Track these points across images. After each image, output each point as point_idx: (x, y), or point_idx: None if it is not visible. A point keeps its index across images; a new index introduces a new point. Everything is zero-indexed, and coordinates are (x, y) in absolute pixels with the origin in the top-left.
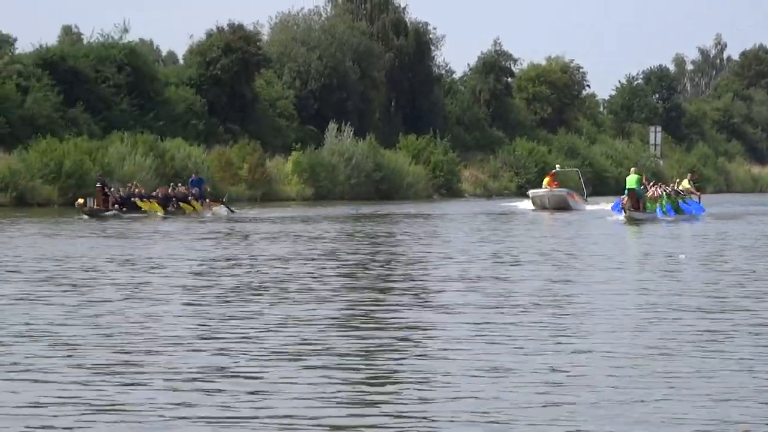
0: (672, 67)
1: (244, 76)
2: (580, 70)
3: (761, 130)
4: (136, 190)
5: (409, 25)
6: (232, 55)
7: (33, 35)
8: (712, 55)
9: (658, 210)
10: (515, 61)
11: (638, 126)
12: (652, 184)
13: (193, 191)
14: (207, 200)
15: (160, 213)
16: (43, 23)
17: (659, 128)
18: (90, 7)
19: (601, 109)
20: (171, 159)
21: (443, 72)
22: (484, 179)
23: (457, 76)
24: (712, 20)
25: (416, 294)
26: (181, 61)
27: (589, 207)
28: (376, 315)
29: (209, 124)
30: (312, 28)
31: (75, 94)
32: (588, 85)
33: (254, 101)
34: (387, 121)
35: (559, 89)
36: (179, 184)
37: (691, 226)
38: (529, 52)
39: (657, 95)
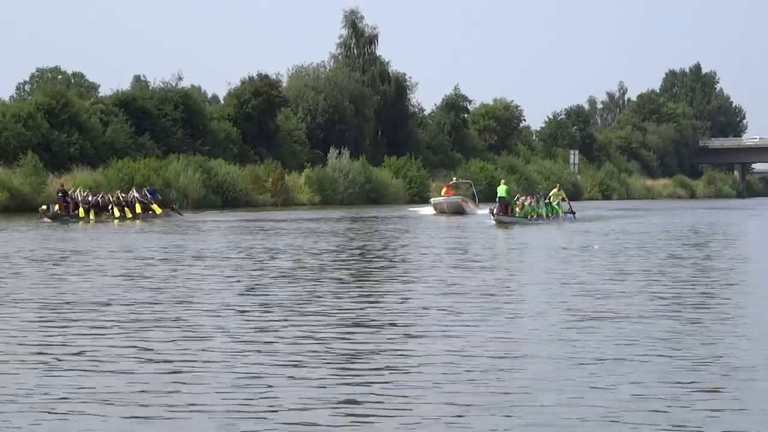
0: (586, 106)
1: (269, 113)
2: (518, 108)
3: (653, 152)
4: (92, 198)
5: (391, 75)
6: (259, 97)
7: (112, 82)
8: (616, 97)
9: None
10: (470, 101)
11: (561, 150)
12: (518, 197)
13: (148, 197)
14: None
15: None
16: (120, 73)
17: (577, 152)
18: (154, 61)
19: (534, 137)
20: (215, 175)
21: (416, 110)
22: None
23: (426, 112)
24: (616, 70)
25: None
26: (222, 102)
27: (480, 211)
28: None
29: (242, 148)
30: (319, 77)
31: (143, 126)
32: (524, 119)
33: (276, 132)
34: (375, 146)
35: (502, 122)
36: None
37: (551, 226)
38: (480, 95)
39: (575, 127)
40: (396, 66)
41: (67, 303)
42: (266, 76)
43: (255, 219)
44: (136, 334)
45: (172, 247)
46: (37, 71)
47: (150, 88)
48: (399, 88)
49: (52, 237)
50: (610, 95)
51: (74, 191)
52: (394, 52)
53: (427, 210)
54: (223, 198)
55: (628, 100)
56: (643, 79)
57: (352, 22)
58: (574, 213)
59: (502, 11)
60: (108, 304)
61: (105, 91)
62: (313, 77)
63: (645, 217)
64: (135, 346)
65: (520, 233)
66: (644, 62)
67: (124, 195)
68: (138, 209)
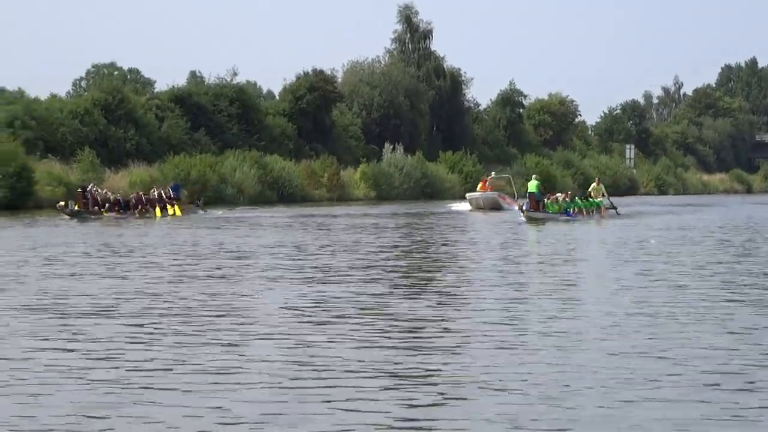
0: (642, 100)
1: (324, 108)
2: (573, 102)
3: (708, 147)
4: (111, 195)
5: (446, 70)
6: (315, 93)
7: (168, 78)
8: (672, 92)
9: (563, 210)
10: (525, 96)
11: (617, 144)
12: (549, 194)
13: (172, 194)
14: (183, 202)
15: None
16: (175, 69)
17: (632, 146)
18: (210, 57)
19: (590, 131)
20: (271, 170)
21: (472, 105)
22: (502, 184)
23: (482, 107)
24: (672, 64)
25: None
26: (277, 97)
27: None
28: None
29: (298, 144)
30: (374, 72)
31: (199, 122)
32: (579, 114)
33: (331, 127)
34: (430, 142)
35: (557, 117)
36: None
37: (589, 223)
38: (535, 90)
39: (631, 121)
40: (451, 61)
41: (122, 300)
42: (321, 72)
43: (269, 215)
44: (181, 334)
45: (218, 243)
46: (93, 67)
47: (205, 83)
48: (454, 83)
49: (90, 232)
50: (666, 90)
51: (92, 188)
52: (449, 48)
53: (463, 206)
54: (279, 193)
55: (684, 94)
56: (699, 74)
57: (407, 17)
58: (615, 208)
59: (557, 5)
60: (152, 302)
61: (160, 86)
62: (368, 72)
63: (696, 213)
64: (179, 341)
65: (561, 230)
66: (700, 57)
67: (145, 194)
68: (167, 207)
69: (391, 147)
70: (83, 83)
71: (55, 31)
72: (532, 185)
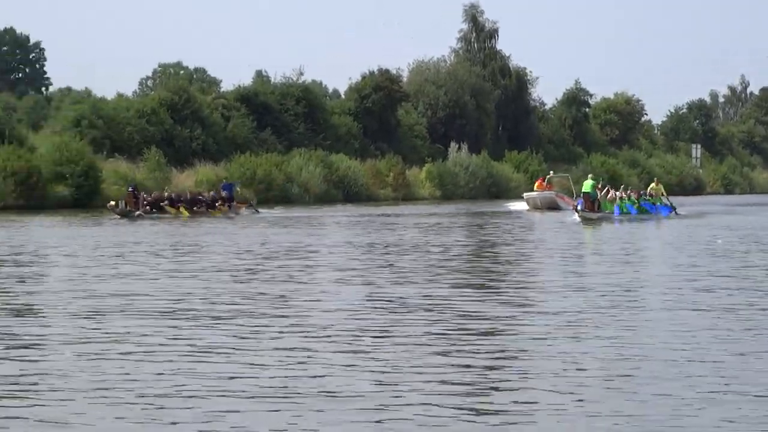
0: (708, 100)
1: (389, 107)
2: (639, 102)
3: None
4: (165, 194)
5: (512, 69)
6: (380, 92)
7: (234, 77)
8: (738, 91)
9: (615, 209)
10: (591, 95)
11: (683, 144)
12: (607, 189)
13: (224, 194)
14: (235, 202)
15: (185, 215)
16: (241, 68)
17: (699, 146)
18: (276, 56)
19: (656, 131)
20: (336, 169)
21: (537, 104)
22: (568, 184)
23: (547, 107)
24: (739, 63)
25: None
26: (343, 96)
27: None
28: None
29: (363, 143)
30: (440, 72)
31: (265, 121)
32: (645, 113)
33: (397, 126)
34: (496, 141)
35: (623, 116)
36: (210, 191)
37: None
38: (601, 89)
39: (697, 121)
40: (516, 60)
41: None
42: (387, 71)
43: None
44: (247, 328)
45: (294, 242)
46: (159, 67)
47: (271, 82)
48: (520, 82)
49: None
50: (732, 89)
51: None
52: (515, 47)
53: (520, 205)
54: (344, 193)
55: (751, 93)
56: (766, 73)
57: (473, 16)
58: (674, 208)
59: (623, 4)
60: (218, 300)
61: (226, 86)
62: (434, 72)
63: (761, 213)
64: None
65: (617, 230)
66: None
67: (189, 193)
68: (223, 209)
69: (457, 146)
70: (149, 82)
71: (121, 31)
72: (587, 185)
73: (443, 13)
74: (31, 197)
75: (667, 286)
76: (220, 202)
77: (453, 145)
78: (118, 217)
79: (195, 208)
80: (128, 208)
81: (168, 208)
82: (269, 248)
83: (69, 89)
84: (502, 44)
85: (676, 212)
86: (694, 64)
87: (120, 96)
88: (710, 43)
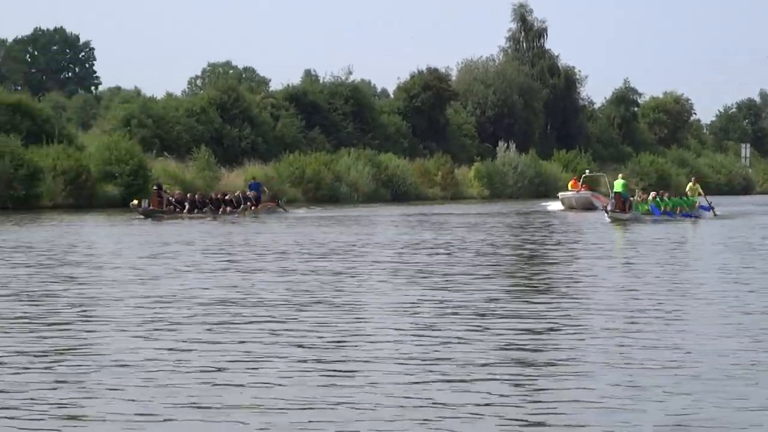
0: (758, 99)
1: (438, 106)
2: (689, 101)
3: None
4: (189, 195)
5: (560, 68)
6: (429, 91)
7: (282, 77)
8: None
9: (652, 207)
10: (640, 94)
11: (732, 143)
12: (642, 190)
13: (250, 194)
14: (264, 202)
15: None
16: (290, 68)
17: (748, 145)
18: (324, 55)
19: (705, 130)
20: (385, 168)
21: (586, 103)
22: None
23: (596, 106)
24: None
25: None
26: (391, 96)
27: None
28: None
29: (412, 142)
30: (488, 71)
31: (313, 120)
32: (694, 112)
33: (446, 125)
34: (544, 140)
35: (672, 116)
36: (237, 192)
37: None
38: (650, 88)
39: (747, 120)
40: (565, 59)
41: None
42: (435, 70)
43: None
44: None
45: (332, 241)
46: (208, 66)
47: (320, 82)
48: (568, 81)
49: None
50: None
51: (169, 188)
52: (564, 46)
53: (556, 205)
54: (392, 192)
55: None
56: None
57: (521, 15)
58: (713, 208)
59: (671, 4)
60: (270, 298)
61: (275, 85)
62: (482, 71)
63: None
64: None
65: (648, 231)
66: None
67: (216, 193)
68: (248, 205)
69: (505, 145)
70: (199, 82)
71: (171, 30)
72: (618, 184)
73: (492, 12)
74: (81, 196)
75: (712, 287)
76: (250, 203)
77: (501, 144)
78: (142, 217)
79: (221, 210)
80: (152, 207)
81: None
82: (304, 247)
83: (118, 88)
84: (551, 43)
85: (714, 212)
86: (744, 64)
87: (169, 95)
88: (761, 42)
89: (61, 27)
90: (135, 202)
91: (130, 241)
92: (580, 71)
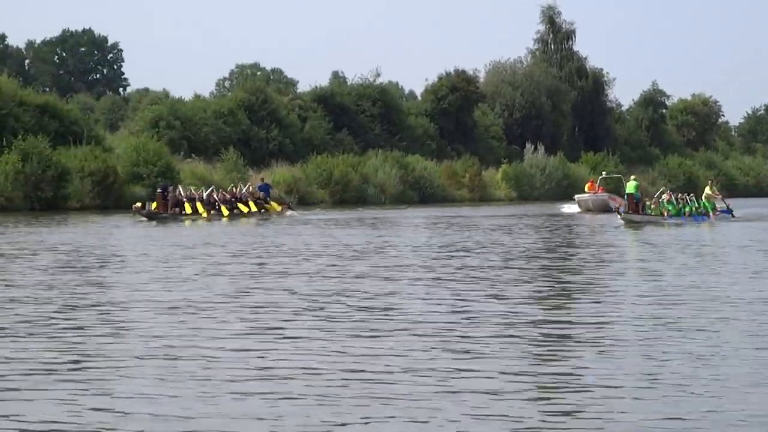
0: None
1: (466, 108)
2: (717, 103)
3: None
4: (196, 193)
5: (588, 70)
6: (456, 93)
7: (310, 78)
8: None
9: (668, 209)
10: (668, 97)
11: (761, 146)
12: (660, 192)
13: (260, 195)
14: (272, 203)
15: (204, 215)
16: (318, 69)
17: None
18: (352, 57)
19: (733, 132)
20: (412, 170)
21: (614, 105)
22: (645, 185)
23: (624, 108)
24: None
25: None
26: (419, 98)
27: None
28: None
29: (440, 144)
30: (516, 73)
31: (341, 122)
32: (723, 115)
33: (473, 127)
34: (572, 142)
35: (701, 118)
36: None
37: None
38: (678, 90)
39: None
40: (593, 61)
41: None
42: (463, 72)
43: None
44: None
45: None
46: (236, 67)
47: (348, 84)
48: (596, 83)
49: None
50: None
51: (174, 188)
52: (592, 48)
53: (572, 207)
54: (420, 194)
55: None
56: None
57: (550, 17)
58: (731, 211)
59: (699, 6)
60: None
61: (303, 87)
62: (510, 73)
63: None
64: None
65: (662, 233)
66: None
67: (232, 190)
68: (253, 207)
69: (533, 147)
70: (227, 83)
71: (199, 32)
72: (631, 186)
73: (521, 14)
74: (108, 198)
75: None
76: (258, 202)
77: (529, 146)
78: (145, 219)
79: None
80: (156, 210)
81: (187, 207)
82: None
83: (146, 90)
84: (579, 45)
85: (732, 215)
86: None
87: (197, 97)
88: None
89: (90, 28)
90: (138, 204)
91: (149, 241)
92: (608, 73)
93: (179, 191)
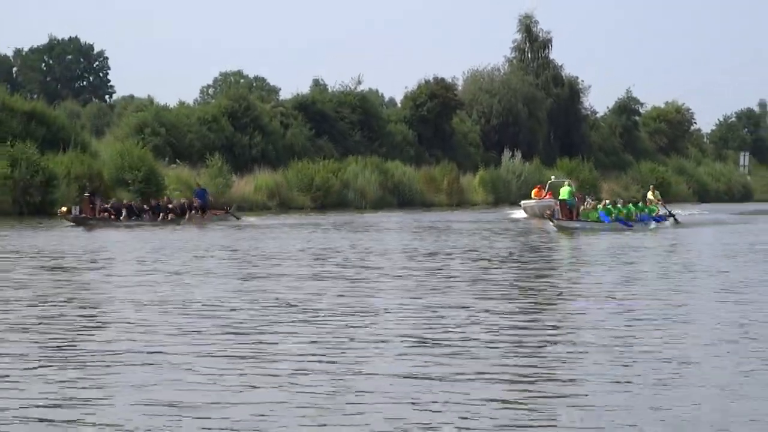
0: (757, 109)
1: (444, 115)
2: (689, 111)
3: None
4: (126, 201)
5: (564, 78)
6: (435, 100)
7: (292, 86)
8: None
9: (601, 215)
10: (641, 104)
11: (731, 152)
12: (590, 197)
13: (197, 202)
14: (210, 210)
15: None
16: (299, 77)
17: (747, 153)
18: (333, 65)
19: (704, 139)
20: (392, 176)
21: (589, 112)
22: (618, 190)
23: (599, 115)
24: None
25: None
26: (398, 105)
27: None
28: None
29: (418, 150)
30: (494, 81)
31: (322, 129)
32: (695, 122)
33: (452, 134)
34: (548, 148)
35: (673, 125)
36: (181, 199)
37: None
38: (652, 98)
39: (746, 129)
40: (569, 70)
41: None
42: (442, 80)
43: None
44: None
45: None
46: (220, 75)
47: (329, 91)
48: (572, 91)
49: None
50: None
51: (102, 193)
52: (568, 56)
53: (519, 213)
54: (399, 199)
55: None
56: None
57: (527, 26)
58: (673, 216)
59: (673, 17)
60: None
61: (285, 94)
62: (488, 80)
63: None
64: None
65: (591, 241)
66: None
67: (156, 200)
68: (184, 213)
69: (510, 154)
70: (210, 91)
71: (183, 41)
72: (564, 192)
73: (498, 23)
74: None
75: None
76: (195, 210)
77: (506, 153)
78: (72, 224)
79: (161, 217)
80: (83, 215)
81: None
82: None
83: (132, 97)
84: (555, 54)
85: (675, 220)
86: (744, 74)
87: (182, 104)
88: (760, 53)
89: (76, 37)
90: (64, 209)
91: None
92: (583, 81)
93: (113, 202)
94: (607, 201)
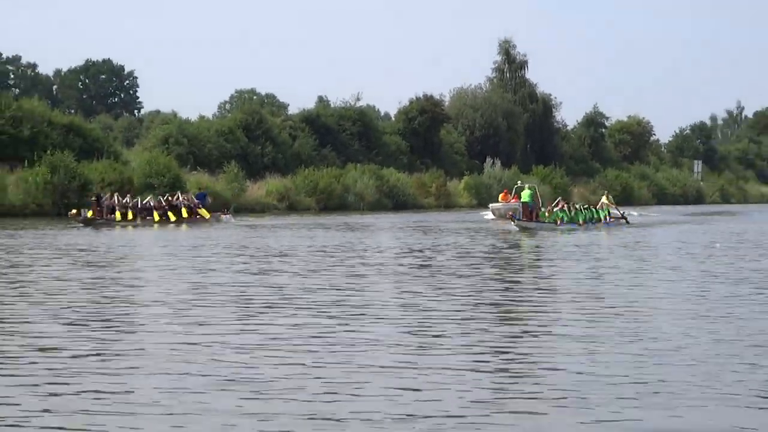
0: (709, 122)
1: (433, 128)
2: (649, 123)
3: (766, 163)
4: (132, 202)
5: (538, 95)
6: (425, 115)
7: (299, 102)
8: (734, 114)
9: (560, 217)
10: (607, 118)
11: (686, 160)
12: (557, 201)
13: (196, 203)
14: (209, 211)
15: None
16: (306, 94)
17: (700, 162)
18: (336, 84)
19: (663, 149)
20: (387, 181)
21: (560, 125)
22: (587, 194)
23: (569, 128)
24: (735, 89)
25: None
26: (393, 119)
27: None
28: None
29: (410, 159)
30: (477, 97)
31: (325, 140)
32: (654, 133)
33: (440, 144)
34: (525, 157)
35: (635, 136)
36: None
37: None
38: (616, 112)
39: (699, 140)
40: (543, 87)
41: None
42: (431, 97)
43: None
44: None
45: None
46: (236, 92)
47: (332, 106)
48: (545, 106)
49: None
50: (729, 113)
51: (110, 196)
52: (542, 76)
53: (487, 215)
54: (393, 201)
55: (745, 116)
56: (761, 97)
57: (506, 50)
58: (625, 218)
59: (636, 41)
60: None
61: (293, 109)
62: (472, 97)
63: (714, 223)
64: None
65: (552, 239)
66: (760, 82)
67: (168, 199)
68: (184, 213)
69: (491, 162)
70: (227, 106)
71: (203, 62)
72: (525, 195)
73: (481, 47)
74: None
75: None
76: (191, 208)
77: (488, 161)
78: (82, 225)
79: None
80: (92, 216)
81: (117, 215)
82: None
83: (158, 112)
84: (531, 74)
85: (627, 222)
86: (697, 92)
87: (202, 117)
88: (713, 73)
89: (109, 59)
90: (74, 211)
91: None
92: (555, 98)
93: (116, 199)
94: (563, 205)
